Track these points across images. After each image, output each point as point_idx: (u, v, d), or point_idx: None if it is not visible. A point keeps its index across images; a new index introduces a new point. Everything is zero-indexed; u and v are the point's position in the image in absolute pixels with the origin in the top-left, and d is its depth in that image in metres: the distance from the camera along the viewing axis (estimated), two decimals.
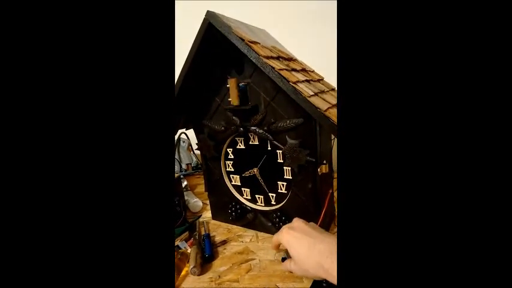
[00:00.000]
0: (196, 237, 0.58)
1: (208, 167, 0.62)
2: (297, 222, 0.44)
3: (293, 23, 0.89)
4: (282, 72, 0.41)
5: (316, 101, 0.41)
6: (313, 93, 0.43)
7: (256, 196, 0.59)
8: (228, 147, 0.59)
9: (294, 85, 0.40)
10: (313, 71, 0.61)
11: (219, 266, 0.51)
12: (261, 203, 0.59)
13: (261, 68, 0.41)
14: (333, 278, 0.36)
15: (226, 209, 0.62)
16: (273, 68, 0.40)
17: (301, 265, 0.40)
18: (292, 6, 0.89)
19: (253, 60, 0.41)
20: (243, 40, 0.41)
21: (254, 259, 0.52)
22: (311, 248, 0.38)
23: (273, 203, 0.58)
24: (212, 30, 0.44)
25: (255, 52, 0.41)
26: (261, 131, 0.51)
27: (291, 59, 0.55)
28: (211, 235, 0.59)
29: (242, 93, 0.49)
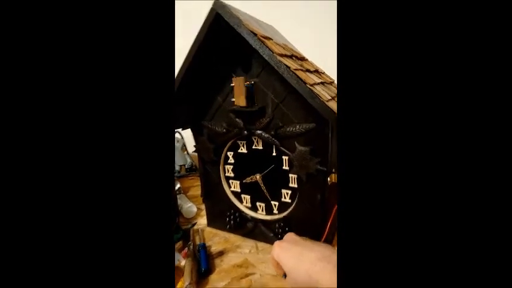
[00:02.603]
0: (191, 247, 0.53)
1: (206, 171, 0.58)
2: (288, 235, 0.43)
3: (297, 20, 0.85)
4: (297, 73, 0.37)
5: (334, 105, 0.38)
6: (330, 98, 0.39)
7: (257, 204, 0.55)
8: (229, 150, 0.54)
9: (311, 88, 0.36)
10: (324, 73, 0.58)
11: (216, 280, 0.46)
12: (262, 211, 0.55)
13: (275, 66, 0.37)
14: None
15: (224, 216, 0.58)
16: (288, 67, 0.36)
17: (292, 276, 0.37)
18: (297, 3, 0.85)
19: (266, 58, 0.37)
20: (255, 35, 0.37)
21: (255, 273, 0.48)
22: (299, 257, 0.36)
23: (275, 212, 0.54)
24: (219, 22, 0.40)
25: (269, 49, 0.37)
26: (267, 135, 0.47)
27: (303, 58, 0.51)
28: (206, 245, 0.55)
29: (249, 93, 0.45)
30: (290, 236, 0.43)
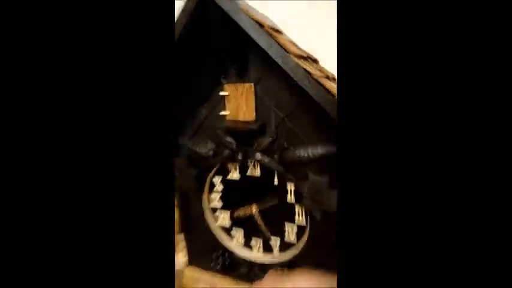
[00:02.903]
0: None
1: (185, 199, 0.46)
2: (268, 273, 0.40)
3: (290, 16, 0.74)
4: (321, 81, 0.26)
5: None
6: None
7: (252, 241, 0.44)
8: (216, 174, 0.43)
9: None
10: (335, 78, 0.48)
11: None
12: (259, 250, 0.44)
13: (289, 71, 0.26)
14: None
15: (209, 254, 0.46)
16: (309, 73, 0.26)
17: None
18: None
19: (278, 60, 0.26)
20: (261, 26, 0.26)
21: None
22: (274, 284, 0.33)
23: (275, 252, 0.43)
24: (207, 7, 0.28)
25: (281, 47, 0.26)
26: (268, 159, 0.36)
27: (316, 60, 0.40)
28: None
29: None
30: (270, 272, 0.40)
